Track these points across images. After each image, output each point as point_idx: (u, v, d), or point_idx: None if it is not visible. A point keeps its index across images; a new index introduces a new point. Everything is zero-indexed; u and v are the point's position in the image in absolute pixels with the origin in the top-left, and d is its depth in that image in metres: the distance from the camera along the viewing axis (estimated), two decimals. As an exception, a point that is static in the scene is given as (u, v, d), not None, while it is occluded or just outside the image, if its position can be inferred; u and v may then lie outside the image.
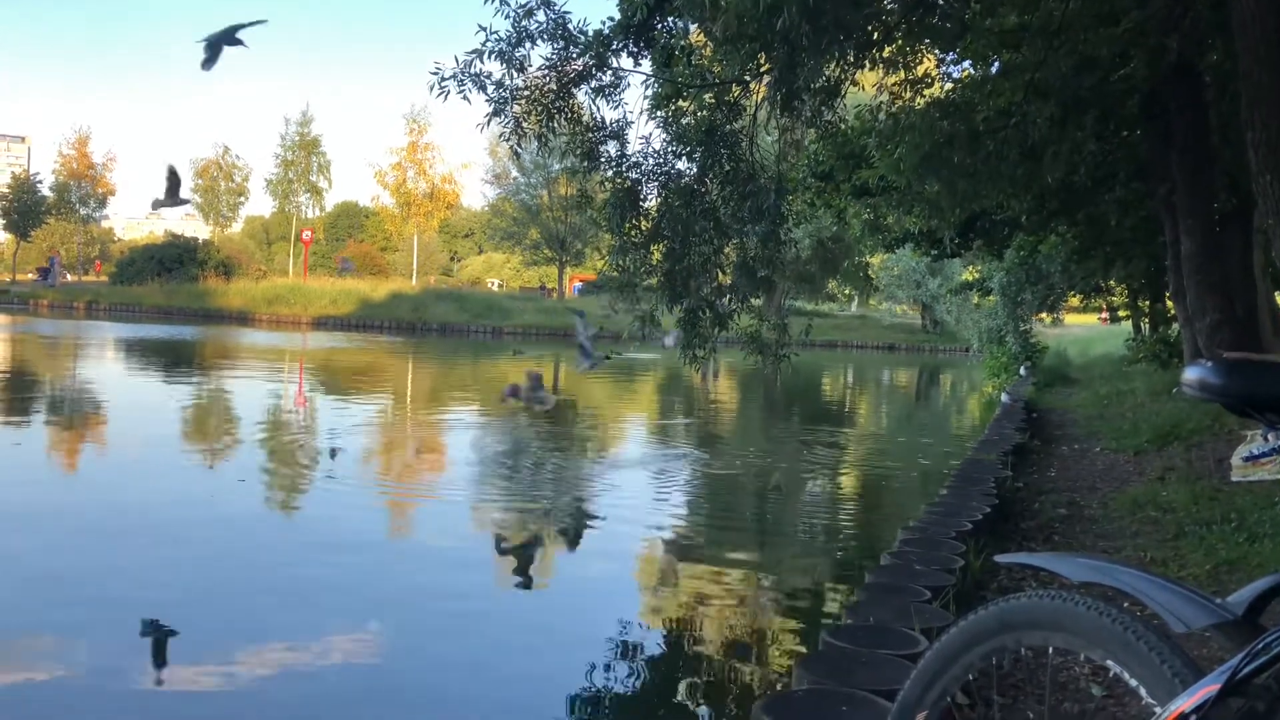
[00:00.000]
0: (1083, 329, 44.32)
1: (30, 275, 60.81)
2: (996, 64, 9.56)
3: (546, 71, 7.79)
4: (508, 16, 7.36)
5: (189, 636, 4.75)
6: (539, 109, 7.78)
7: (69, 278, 57.76)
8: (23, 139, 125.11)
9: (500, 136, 7.83)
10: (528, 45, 7.43)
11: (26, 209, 59.89)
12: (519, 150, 8.16)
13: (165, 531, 6.65)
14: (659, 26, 7.88)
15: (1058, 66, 8.01)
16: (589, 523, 8.02)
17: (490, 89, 7.46)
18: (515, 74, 7.45)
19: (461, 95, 7.38)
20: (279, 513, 7.88)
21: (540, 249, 61.13)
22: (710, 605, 5.72)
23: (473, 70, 7.35)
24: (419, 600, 5.58)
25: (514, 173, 58.92)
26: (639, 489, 9.34)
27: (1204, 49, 8.62)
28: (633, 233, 8.33)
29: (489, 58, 7.33)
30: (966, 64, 10.09)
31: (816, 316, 33.45)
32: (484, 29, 7.32)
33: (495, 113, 7.56)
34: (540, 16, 7.44)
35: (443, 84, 7.32)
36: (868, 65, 7.98)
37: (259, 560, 6.25)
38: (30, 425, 11.80)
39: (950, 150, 8.45)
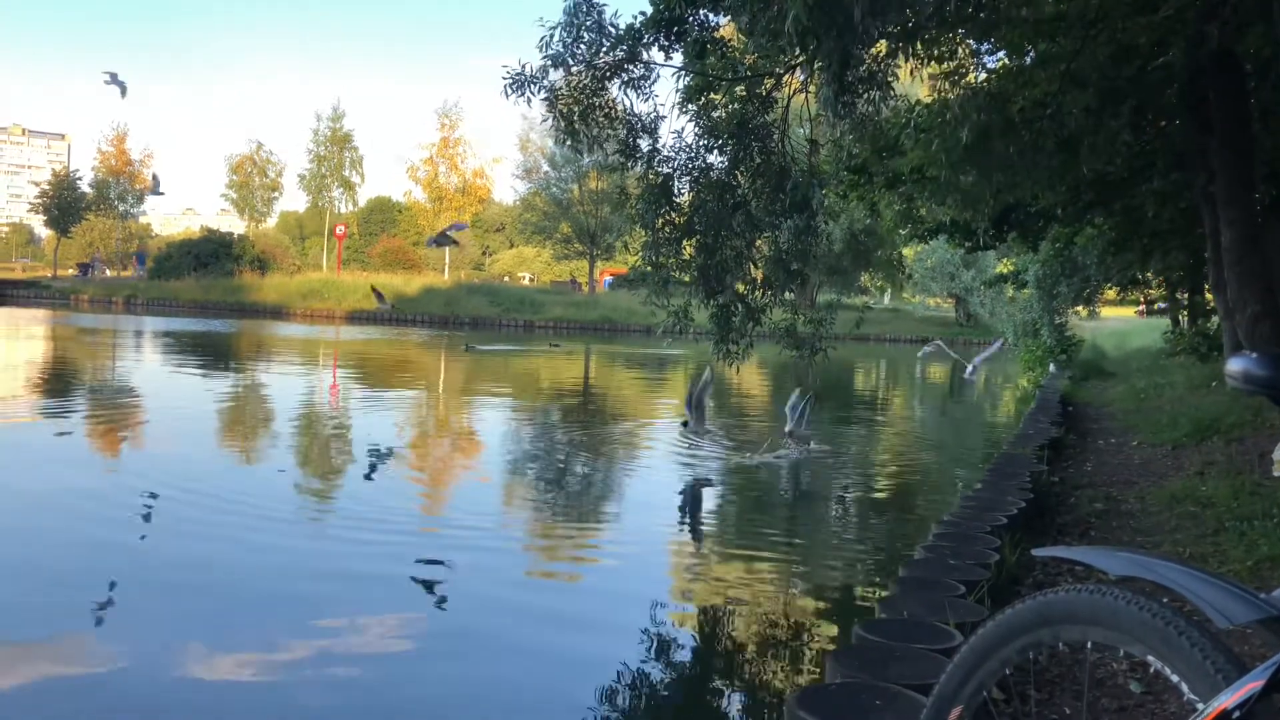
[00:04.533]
0: (1120, 322, 43.74)
1: (70, 271, 61.72)
2: (1032, 54, 9.44)
3: (583, 67, 7.83)
4: (566, 13, 7.51)
5: (198, 627, 4.82)
6: (577, 105, 7.83)
7: (108, 273, 58.53)
8: (63, 136, 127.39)
9: (554, 140, 8.02)
10: (579, 43, 7.53)
11: (66, 205, 60.82)
12: (579, 149, 8.33)
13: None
14: (690, 20, 7.87)
15: (1094, 56, 7.90)
16: (621, 510, 8.04)
17: (546, 90, 7.61)
18: (557, 70, 7.53)
19: (525, 98, 7.58)
20: (314, 502, 7.97)
21: (571, 243, 61.26)
22: (743, 597, 5.71)
23: (536, 72, 7.51)
24: (448, 587, 5.62)
25: (545, 167, 59.09)
26: (669, 476, 9.35)
27: (1245, 36, 8.46)
28: (665, 228, 8.34)
29: (553, 63, 7.49)
30: (1002, 54, 9.96)
31: (854, 309, 33.36)
32: (542, 21, 7.46)
33: (558, 113, 7.71)
34: (583, 12, 7.53)
35: (515, 86, 7.45)
36: (908, 56, 7.90)
37: (287, 554, 6.33)
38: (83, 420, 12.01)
39: (986, 141, 8.36)
